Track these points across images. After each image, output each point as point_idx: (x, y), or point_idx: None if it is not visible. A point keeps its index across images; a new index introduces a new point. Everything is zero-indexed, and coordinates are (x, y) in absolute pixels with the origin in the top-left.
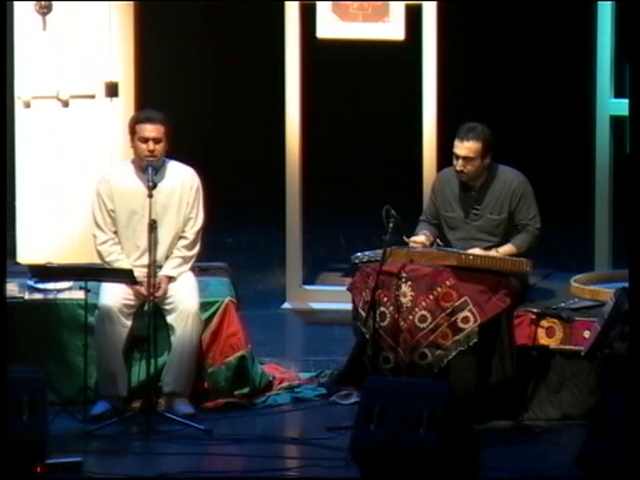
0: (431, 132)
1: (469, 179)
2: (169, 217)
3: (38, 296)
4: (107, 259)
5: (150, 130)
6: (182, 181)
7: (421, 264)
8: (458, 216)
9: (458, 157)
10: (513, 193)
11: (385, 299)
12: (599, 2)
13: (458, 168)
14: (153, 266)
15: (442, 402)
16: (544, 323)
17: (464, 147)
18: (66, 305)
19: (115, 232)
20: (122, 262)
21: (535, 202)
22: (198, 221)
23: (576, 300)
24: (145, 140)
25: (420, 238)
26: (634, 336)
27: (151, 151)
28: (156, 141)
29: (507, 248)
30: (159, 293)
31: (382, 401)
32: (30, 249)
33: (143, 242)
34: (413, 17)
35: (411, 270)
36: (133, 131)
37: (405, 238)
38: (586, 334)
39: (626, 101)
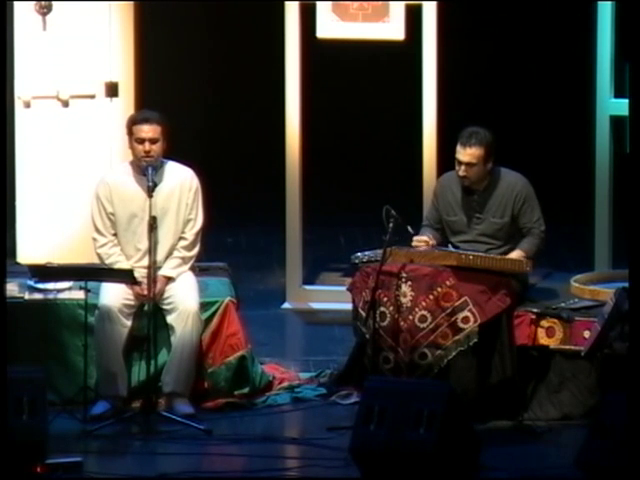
0: (431, 132)
1: (472, 183)
2: (169, 219)
3: (38, 296)
4: (107, 261)
5: (147, 131)
6: (181, 182)
7: (421, 264)
8: (461, 220)
9: (460, 163)
10: (516, 196)
11: (385, 299)
12: (599, 2)
13: (461, 173)
14: (153, 267)
15: (442, 402)
16: (544, 323)
17: (467, 153)
18: (66, 305)
19: (114, 234)
20: (122, 263)
21: (538, 204)
22: (198, 222)
23: (576, 300)
24: (142, 141)
25: (423, 237)
26: (634, 336)
27: (147, 151)
28: (152, 141)
29: (517, 254)
30: (155, 292)
31: (382, 401)
32: (30, 249)
33: (143, 244)
34: (413, 17)
35: (411, 270)
36: (130, 132)
37: (410, 228)
38: (586, 334)
39: (626, 101)
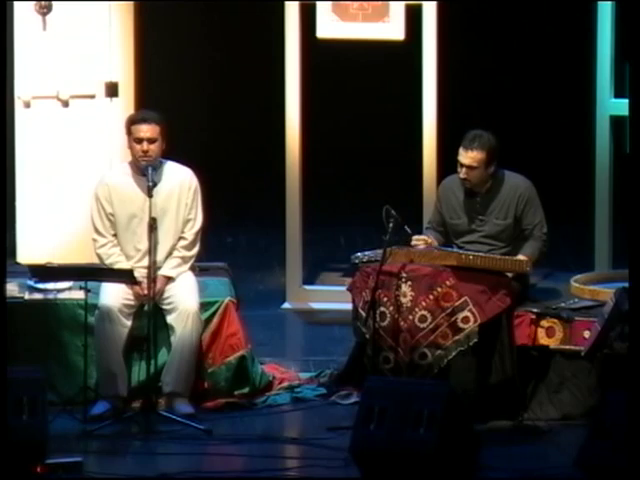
0: (431, 132)
1: (473, 186)
2: (168, 219)
3: (38, 296)
4: (107, 262)
5: (145, 130)
6: (180, 182)
7: (421, 264)
8: (464, 223)
9: (462, 165)
10: (519, 198)
11: (385, 299)
12: (599, 2)
13: (462, 176)
14: (153, 267)
15: (442, 402)
16: (544, 323)
17: (468, 156)
18: (66, 305)
19: (114, 235)
20: (122, 264)
21: (541, 207)
22: (197, 222)
23: (576, 300)
24: (140, 140)
25: (422, 236)
26: (634, 336)
27: (145, 151)
28: (150, 141)
29: (521, 259)
30: (155, 291)
31: (382, 401)
32: (30, 249)
33: (143, 245)
34: (413, 17)
35: (411, 270)
36: (129, 132)
37: (407, 228)
38: (586, 334)
39: (626, 101)
